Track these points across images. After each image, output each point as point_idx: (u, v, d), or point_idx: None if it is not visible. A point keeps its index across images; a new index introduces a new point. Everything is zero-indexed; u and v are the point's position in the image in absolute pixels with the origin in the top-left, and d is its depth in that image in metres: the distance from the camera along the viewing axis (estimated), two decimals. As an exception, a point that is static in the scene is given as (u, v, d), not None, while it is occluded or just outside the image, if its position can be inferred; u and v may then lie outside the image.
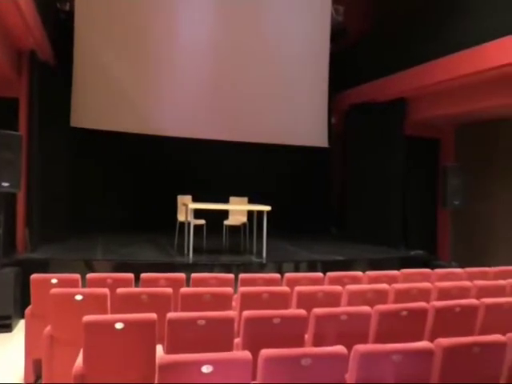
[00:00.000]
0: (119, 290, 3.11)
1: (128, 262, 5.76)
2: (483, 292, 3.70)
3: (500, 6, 6.26)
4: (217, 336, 2.57)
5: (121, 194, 8.72)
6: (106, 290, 3.03)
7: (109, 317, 2.59)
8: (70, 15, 7.73)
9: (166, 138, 8.34)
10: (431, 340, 2.34)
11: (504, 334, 2.36)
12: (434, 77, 7.22)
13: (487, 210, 8.19)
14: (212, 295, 3.24)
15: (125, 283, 3.49)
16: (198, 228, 6.81)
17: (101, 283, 3.41)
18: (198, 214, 6.72)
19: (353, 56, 9.65)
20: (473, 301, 3.20)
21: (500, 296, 3.50)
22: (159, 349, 2.58)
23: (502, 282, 3.96)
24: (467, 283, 3.88)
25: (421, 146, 8.87)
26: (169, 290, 3.23)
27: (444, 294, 3.62)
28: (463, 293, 3.70)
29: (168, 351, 2.52)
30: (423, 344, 2.25)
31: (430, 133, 9.03)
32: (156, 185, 8.76)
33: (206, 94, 8.61)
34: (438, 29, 7.35)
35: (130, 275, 3.65)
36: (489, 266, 4.91)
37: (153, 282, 3.62)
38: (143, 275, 3.68)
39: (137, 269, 3.90)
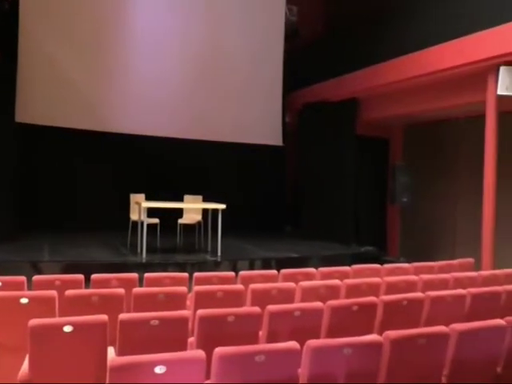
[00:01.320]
0: (68, 292, 3.00)
1: (78, 263, 5.59)
2: (428, 285, 3.87)
3: (442, 11, 6.56)
4: (170, 336, 2.54)
5: (70, 192, 8.41)
6: (53, 293, 2.92)
7: (57, 320, 2.50)
8: (14, 5, 7.38)
9: (118, 135, 8.15)
10: (380, 333, 2.42)
11: (447, 325, 2.48)
12: (384, 78, 7.47)
13: (433, 206, 8.56)
14: (166, 295, 3.20)
15: (74, 285, 3.38)
16: (151, 227, 6.70)
17: (48, 285, 3.27)
18: (151, 212, 6.62)
19: (306, 56, 9.80)
20: (419, 294, 3.34)
21: (444, 289, 3.67)
22: (111, 351, 2.52)
23: (445, 275, 4.15)
24: (414, 277, 4.04)
25: (371, 145, 9.15)
26: (121, 290, 3.15)
27: (392, 288, 3.76)
28: (410, 287, 3.85)
29: (120, 353, 2.46)
30: (372, 337, 2.32)
31: (379, 132, 9.33)
32: (108, 183, 8.52)
33: (159, 90, 8.48)
34: (388, 31, 7.60)
35: (80, 276, 3.53)
36: (434, 260, 5.14)
37: (104, 283, 3.52)
38: (94, 276, 3.58)
39: (87, 270, 3.79)
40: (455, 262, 5.14)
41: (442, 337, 2.40)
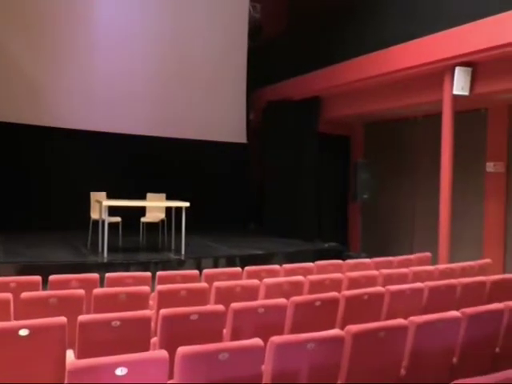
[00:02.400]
0: (24, 295, 2.89)
1: (35, 264, 5.40)
2: (388, 280, 3.97)
3: (401, 12, 6.73)
4: (133, 337, 2.49)
5: (25, 191, 8.09)
6: (8, 295, 2.81)
7: (11, 323, 2.41)
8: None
9: (78, 131, 7.92)
10: (342, 327, 2.46)
11: (406, 317, 2.55)
12: (345, 77, 7.60)
13: (393, 202, 8.80)
14: (128, 295, 3.14)
15: (31, 287, 3.26)
16: (113, 226, 6.56)
17: (2, 288, 3.14)
18: (113, 211, 6.47)
19: (270, 53, 9.84)
20: (379, 288, 3.42)
21: (403, 283, 3.78)
22: (70, 354, 2.45)
23: (404, 269, 4.27)
24: (374, 272, 4.14)
25: (333, 143, 9.30)
26: (81, 291, 3.07)
27: (354, 283, 3.83)
28: (371, 281, 3.94)
29: (79, 356, 2.40)
30: (334, 332, 2.36)
31: (341, 130, 9.50)
32: (67, 180, 8.26)
33: (120, 86, 8.31)
34: (350, 30, 7.73)
35: (38, 278, 3.41)
36: (394, 255, 5.28)
37: (63, 284, 3.42)
38: (52, 277, 3.46)
39: (46, 271, 3.67)
40: (413, 256, 5.31)
41: (400, 329, 2.46)
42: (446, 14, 6.00)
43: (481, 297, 3.67)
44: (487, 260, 5.10)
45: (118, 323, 2.45)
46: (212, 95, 9.19)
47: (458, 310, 2.71)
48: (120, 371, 1.82)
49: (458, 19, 5.78)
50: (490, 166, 7.06)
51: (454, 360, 2.68)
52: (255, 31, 9.98)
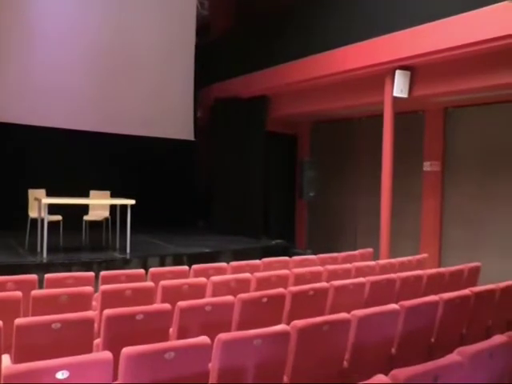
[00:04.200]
0: (-45, 298, 2.72)
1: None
2: (333, 275, 4.09)
3: (345, 15, 6.94)
4: (75, 339, 2.41)
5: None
6: None
7: None
8: None
9: (14, 126, 7.51)
10: (288, 323, 2.51)
11: (349, 311, 2.64)
12: (291, 77, 7.72)
13: (338, 200, 9.05)
14: (69, 296, 3.03)
15: (-38, 290, 3.07)
16: (53, 225, 6.29)
17: None
18: (53, 209, 6.20)
19: (218, 51, 9.80)
20: (324, 284, 3.52)
21: (346, 278, 3.91)
22: (6, 359, 2.33)
23: (348, 265, 4.42)
24: (320, 268, 4.24)
25: (281, 141, 9.43)
26: (18, 293, 2.92)
27: (300, 279, 3.91)
28: (316, 277, 4.04)
29: (16, 360, 2.29)
30: (280, 327, 2.40)
31: (289, 129, 9.64)
32: (2, 178, 7.81)
33: (60, 81, 7.97)
34: (296, 31, 7.85)
35: (-31, 280, 3.22)
36: (338, 251, 5.44)
37: (-2, 286, 3.24)
38: (-15, 279, 3.28)
39: (-22, 273, 3.46)
40: (356, 252, 5.50)
41: (343, 323, 2.55)
42: (388, 19, 6.24)
43: (418, 290, 3.87)
44: (424, 255, 5.38)
45: (59, 325, 2.36)
46: (159, 91, 9.02)
47: (397, 302, 2.83)
48: (61, 375, 1.76)
49: (397, 24, 6.03)
50: (426, 166, 7.44)
51: (393, 351, 2.80)
52: (203, 28, 9.90)
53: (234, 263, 4.38)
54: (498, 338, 2.16)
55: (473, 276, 4.39)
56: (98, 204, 7.14)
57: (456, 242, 7.07)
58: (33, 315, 2.86)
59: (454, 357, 1.95)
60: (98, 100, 8.34)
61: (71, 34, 8.12)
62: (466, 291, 3.17)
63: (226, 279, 3.69)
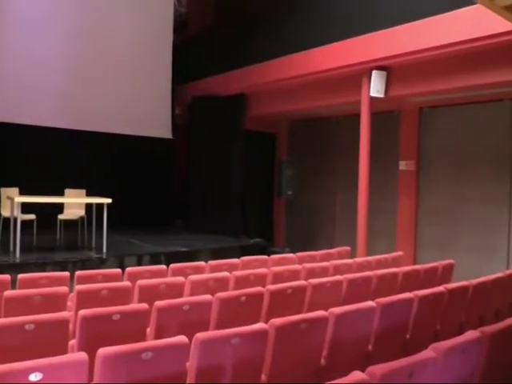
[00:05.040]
0: None
1: None
2: (311, 273, 4.12)
3: (323, 15, 6.99)
4: (49, 340, 2.37)
5: None
6: None
7: None
8: None
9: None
10: (267, 321, 2.51)
11: (326, 309, 2.66)
12: (270, 76, 7.73)
13: (316, 199, 9.11)
14: (43, 296, 2.96)
15: None
16: (26, 224, 6.15)
17: None
18: (26, 208, 6.06)
19: (196, 48, 9.74)
20: (302, 282, 3.53)
21: (324, 276, 3.94)
22: (-23, 362, 2.27)
23: (325, 263, 4.45)
24: (298, 266, 4.26)
25: (259, 140, 9.43)
26: (-11, 294, 2.85)
27: (278, 277, 3.93)
28: (294, 275, 4.06)
29: (-12, 363, 2.23)
30: (259, 326, 2.40)
31: (267, 128, 9.65)
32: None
33: (38, 76, 7.79)
34: (275, 30, 7.86)
35: None
36: (317, 249, 5.48)
37: (-32, 288, 3.15)
38: (-45, 280, 3.19)
39: None
40: (334, 250, 5.55)
41: (321, 321, 2.56)
42: (364, 20, 6.31)
43: (394, 287, 3.93)
44: (400, 252, 5.47)
45: (33, 326, 2.31)
46: (136, 89, 8.91)
47: (373, 300, 2.87)
48: (34, 376, 1.72)
49: (373, 25, 6.11)
50: (402, 165, 7.56)
51: (370, 348, 2.84)
52: (181, 25, 9.82)
53: (213, 262, 4.37)
54: (470, 334, 2.21)
55: (447, 273, 4.48)
56: (74, 203, 7.02)
57: (431, 239, 7.21)
58: (5, 316, 2.79)
59: (428, 353, 1.99)
60: (73, 97, 8.18)
61: (44, 34, 7.94)
62: (440, 288, 3.23)
63: (204, 278, 3.67)
